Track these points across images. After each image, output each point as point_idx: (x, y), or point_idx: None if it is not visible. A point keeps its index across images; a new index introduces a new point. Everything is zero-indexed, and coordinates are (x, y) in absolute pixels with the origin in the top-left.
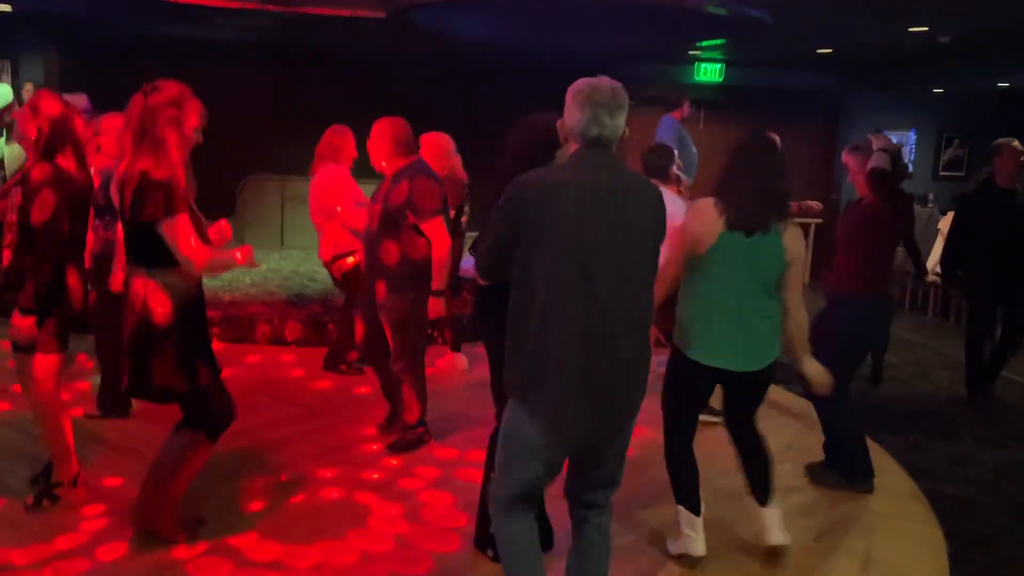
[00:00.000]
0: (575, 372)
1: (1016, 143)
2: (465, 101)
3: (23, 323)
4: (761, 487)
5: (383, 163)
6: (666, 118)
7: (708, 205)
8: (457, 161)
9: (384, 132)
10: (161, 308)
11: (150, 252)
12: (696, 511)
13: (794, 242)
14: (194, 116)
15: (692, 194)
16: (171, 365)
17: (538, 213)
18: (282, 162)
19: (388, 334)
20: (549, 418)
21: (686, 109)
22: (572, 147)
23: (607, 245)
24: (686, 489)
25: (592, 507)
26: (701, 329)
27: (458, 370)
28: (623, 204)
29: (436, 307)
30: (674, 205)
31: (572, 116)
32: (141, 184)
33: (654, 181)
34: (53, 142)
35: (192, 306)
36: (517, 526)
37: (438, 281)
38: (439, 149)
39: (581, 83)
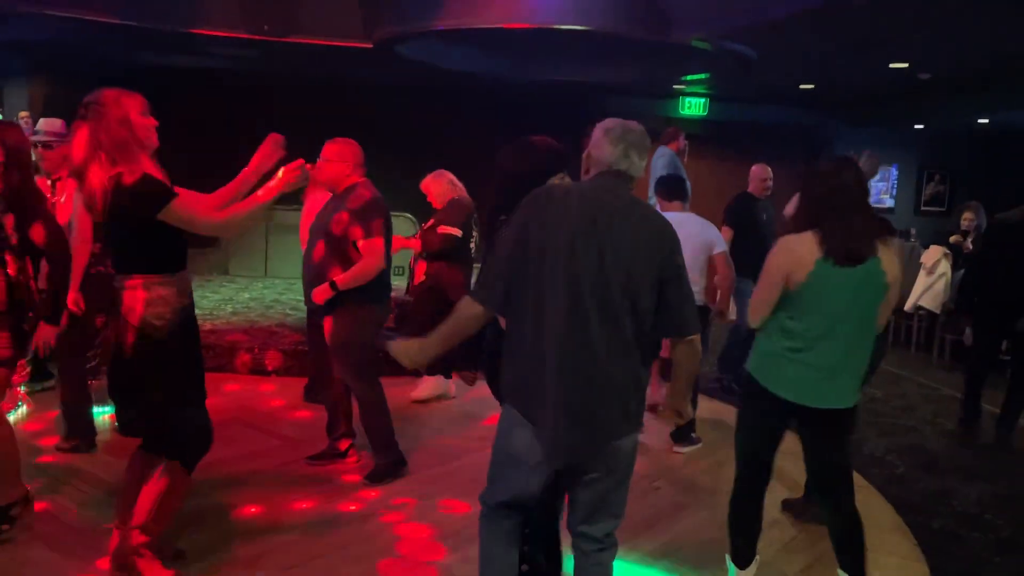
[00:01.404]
0: (556, 386)
1: None
2: (451, 131)
3: None
4: (854, 568)
5: (338, 184)
6: (662, 148)
7: (805, 238)
8: (461, 188)
9: (351, 153)
10: (159, 321)
11: (143, 258)
12: (744, 566)
13: (892, 264)
14: (134, 111)
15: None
16: (167, 379)
17: (541, 221)
18: None
19: (334, 358)
20: (531, 423)
21: (682, 141)
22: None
23: (596, 265)
24: (740, 542)
25: (590, 540)
26: (787, 362)
27: (436, 393)
28: (618, 227)
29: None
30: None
31: (603, 150)
32: (118, 189)
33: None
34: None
35: (189, 316)
36: (494, 533)
37: (341, 280)
38: (441, 188)
39: (613, 122)
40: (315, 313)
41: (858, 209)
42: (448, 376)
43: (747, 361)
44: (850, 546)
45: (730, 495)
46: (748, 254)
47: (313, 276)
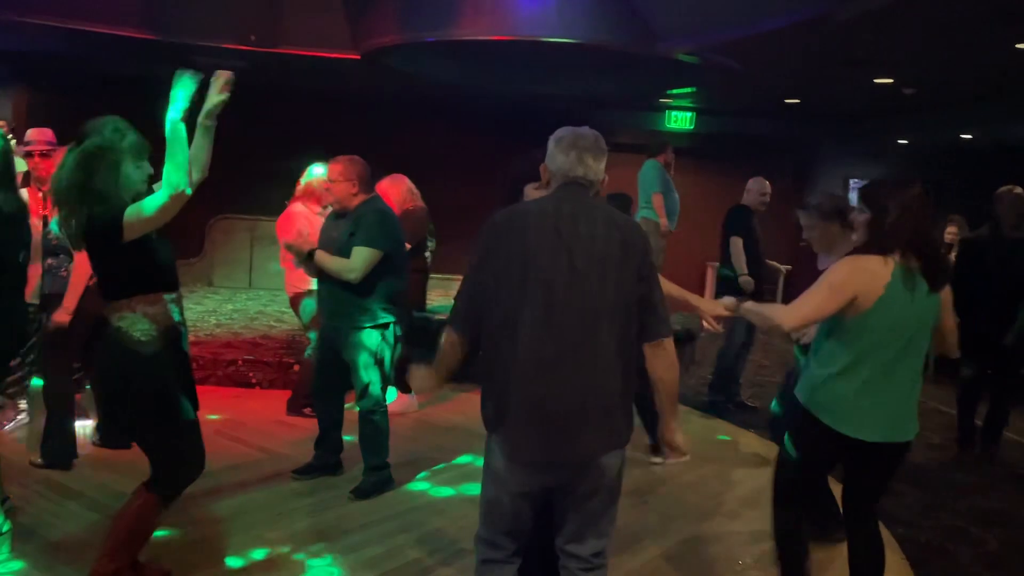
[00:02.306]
0: (531, 402)
1: (1018, 189)
2: (438, 143)
3: None
4: None
5: (348, 203)
6: (650, 162)
7: (877, 261)
8: (417, 196)
9: (354, 171)
10: (146, 338)
11: (127, 280)
12: None
13: (946, 289)
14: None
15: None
16: (154, 400)
17: (502, 243)
18: (251, 202)
19: (355, 374)
20: (510, 447)
21: (669, 154)
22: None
23: (566, 273)
24: (792, 568)
25: (578, 560)
26: (844, 392)
27: (409, 411)
28: (584, 233)
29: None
30: None
31: (556, 160)
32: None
33: None
34: None
35: (175, 336)
36: (493, 572)
37: (319, 256)
38: (400, 194)
39: (564, 130)
40: (331, 329)
41: (933, 233)
42: (409, 392)
43: (801, 395)
44: (872, 569)
45: (779, 532)
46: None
47: (327, 292)
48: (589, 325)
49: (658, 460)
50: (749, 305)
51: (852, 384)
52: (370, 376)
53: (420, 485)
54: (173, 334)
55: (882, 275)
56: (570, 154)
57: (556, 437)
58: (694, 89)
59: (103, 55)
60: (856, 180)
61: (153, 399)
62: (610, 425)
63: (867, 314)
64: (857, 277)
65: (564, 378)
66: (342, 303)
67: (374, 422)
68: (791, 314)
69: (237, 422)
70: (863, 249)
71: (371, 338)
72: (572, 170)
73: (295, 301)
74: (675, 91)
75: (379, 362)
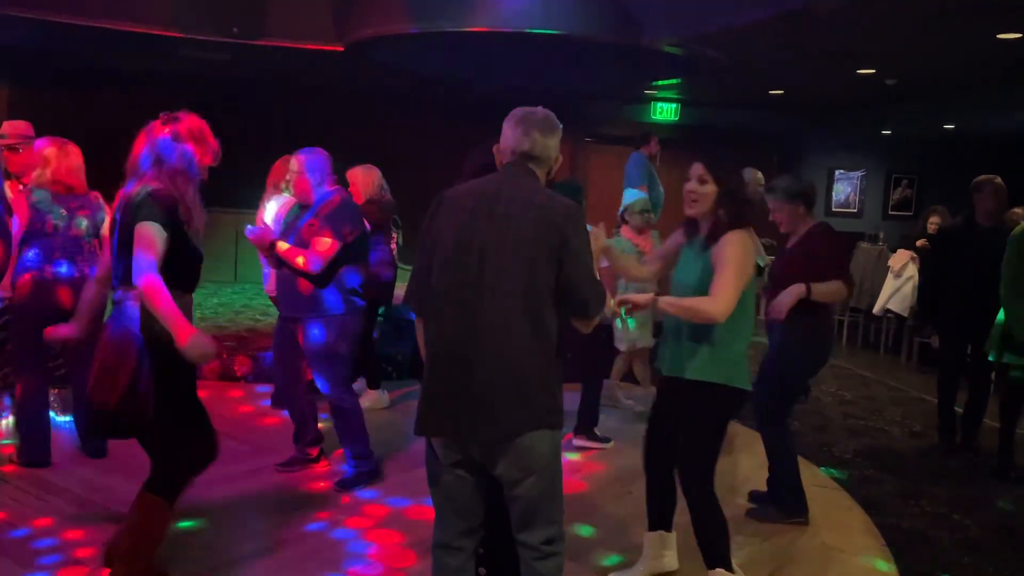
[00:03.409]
0: (445, 379)
1: (996, 180)
2: (422, 135)
3: None
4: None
5: (308, 196)
6: (635, 154)
7: (750, 232)
8: (386, 191)
9: (317, 163)
10: (165, 336)
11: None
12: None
13: None
14: (208, 156)
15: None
16: (156, 392)
17: (438, 220)
18: (236, 196)
19: (317, 365)
20: (430, 422)
21: (654, 146)
22: None
23: (489, 252)
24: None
25: (528, 548)
26: (743, 352)
27: (378, 407)
28: (501, 213)
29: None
30: None
31: (505, 136)
32: (144, 198)
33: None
34: None
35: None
36: (442, 558)
37: (285, 250)
38: (370, 185)
39: (517, 110)
40: (290, 321)
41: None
42: (377, 387)
43: (716, 374)
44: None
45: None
46: None
47: (286, 284)
48: (502, 305)
49: (580, 443)
50: (668, 299)
51: (744, 344)
52: (335, 366)
53: (404, 476)
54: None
55: (753, 245)
56: (517, 129)
57: (469, 415)
58: (679, 81)
59: (85, 49)
60: (841, 171)
61: (163, 397)
62: (528, 404)
63: (751, 282)
64: (751, 249)
65: (477, 357)
66: (301, 294)
67: (344, 411)
68: (721, 304)
69: (222, 415)
70: (737, 223)
71: (332, 328)
72: (519, 144)
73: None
74: (660, 83)
75: (343, 352)
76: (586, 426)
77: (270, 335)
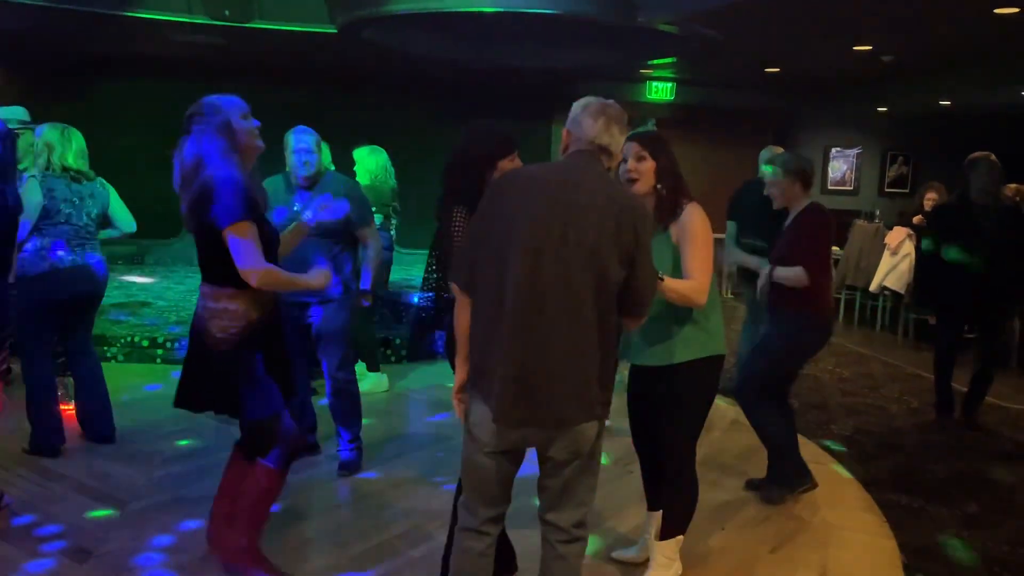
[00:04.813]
0: (508, 361)
1: (991, 156)
2: (419, 118)
3: None
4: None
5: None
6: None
7: (700, 206)
8: (391, 174)
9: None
10: (222, 334)
11: (212, 268)
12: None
13: None
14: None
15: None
16: (222, 389)
17: (499, 204)
18: None
19: (327, 348)
20: (488, 405)
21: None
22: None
23: (558, 241)
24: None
25: (555, 529)
26: (721, 327)
27: (378, 391)
28: (585, 203)
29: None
30: None
31: (582, 125)
32: (205, 189)
33: None
34: None
35: (258, 332)
36: (464, 542)
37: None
38: (375, 163)
39: (591, 98)
40: (295, 307)
41: None
42: (376, 370)
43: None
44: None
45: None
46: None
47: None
48: (574, 295)
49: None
50: (668, 283)
51: (720, 313)
52: (344, 348)
53: (403, 459)
54: (260, 326)
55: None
56: (599, 120)
57: (534, 398)
58: (674, 59)
59: (77, 33)
60: (837, 148)
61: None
62: (587, 395)
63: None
64: (708, 221)
65: (546, 343)
66: None
67: (351, 393)
68: (701, 287)
69: None
70: (680, 196)
71: (340, 310)
72: (599, 137)
73: None
74: (655, 61)
75: (350, 334)
76: None
77: None
